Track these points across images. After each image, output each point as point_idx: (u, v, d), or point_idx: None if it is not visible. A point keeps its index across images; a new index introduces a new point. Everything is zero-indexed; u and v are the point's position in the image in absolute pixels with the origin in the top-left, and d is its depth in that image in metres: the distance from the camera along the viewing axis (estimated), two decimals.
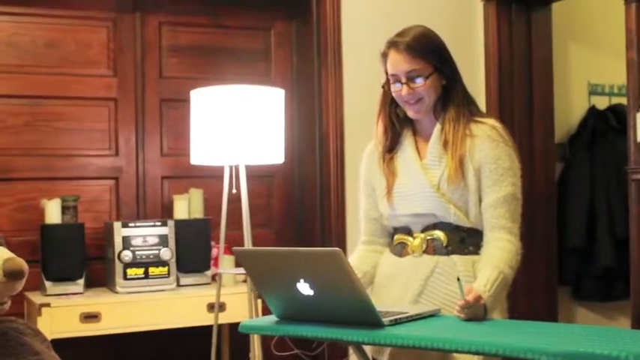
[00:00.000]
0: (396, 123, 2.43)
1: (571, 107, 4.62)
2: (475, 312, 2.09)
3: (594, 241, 4.39)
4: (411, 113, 2.37)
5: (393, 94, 2.37)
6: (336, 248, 1.95)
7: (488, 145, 2.31)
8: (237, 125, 3.08)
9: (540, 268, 4.09)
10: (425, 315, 2.13)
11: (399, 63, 2.31)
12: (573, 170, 4.51)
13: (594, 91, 4.69)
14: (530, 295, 4.03)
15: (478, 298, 2.09)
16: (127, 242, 3.41)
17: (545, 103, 4.18)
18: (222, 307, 3.41)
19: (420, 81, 2.31)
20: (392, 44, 2.33)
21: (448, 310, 2.25)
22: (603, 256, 4.35)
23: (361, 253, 2.51)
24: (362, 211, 2.54)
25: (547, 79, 4.19)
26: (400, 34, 2.34)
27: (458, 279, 2.14)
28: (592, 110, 4.61)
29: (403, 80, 2.31)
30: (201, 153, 3.17)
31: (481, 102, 4.04)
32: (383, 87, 2.42)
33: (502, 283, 2.21)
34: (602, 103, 4.67)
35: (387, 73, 2.38)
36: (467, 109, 2.38)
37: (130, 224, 3.44)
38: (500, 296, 2.28)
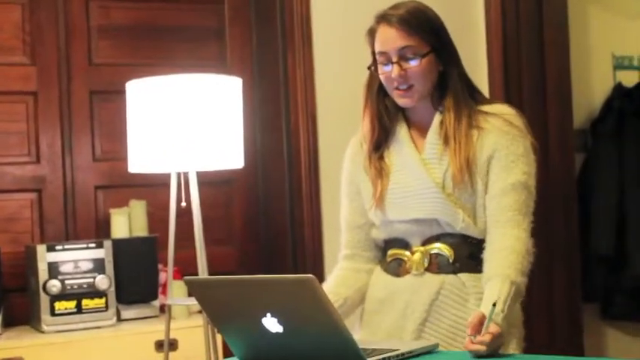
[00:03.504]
0: (385, 115, 2.46)
1: (592, 85, 4.65)
2: (493, 345, 2.09)
3: (625, 247, 4.43)
4: (400, 102, 2.41)
5: (381, 78, 2.40)
6: (309, 275, 1.94)
7: (498, 133, 2.35)
8: (184, 123, 3.06)
9: (560, 282, 4.11)
10: (420, 352, 2.14)
11: (390, 39, 2.35)
12: (597, 162, 4.54)
13: (620, 65, 4.73)
14: (548, 315, 4.05)
15: (499, 335, 2.08)
16: (54, 269, 3.40)
17: (560, 81, 4.20)
18: (172, 345, 3.40)
19: (414, 62, 2.34)
20: (382, 18, 2.38)
21: (459, 342, 2.27)
22: (637, 266, 4.39)
23: (341, 273, 2.53)
24: (343, 217, 2.56)
25: (562, 52, 4.21)
26: (392, 7, 2.39)
27: (494, 304, 2.11)
28: (618, 88, 4.64)
29: (394, 59, 2.35)
30: (142, 158, 3.14)
31: (483, 82, 4.06)
32: (369, 68, 2.45)
33: (515, 297, 2.23)
34: (630, 79, 4.71)
35: (374, 54, 2.41)
36: (469, 97, 2.42)
37: (57, 247, 3.43)
38: (514, 309, 2.30)
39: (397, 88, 2.38)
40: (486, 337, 2.05)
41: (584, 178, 4.50)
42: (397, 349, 2.10)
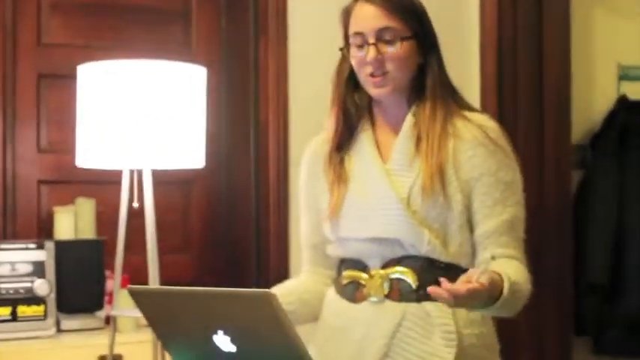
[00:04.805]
0: (353, 110, 2.41)
1: (594, 97, 4.65)
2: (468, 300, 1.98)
3: (622, 276, 4.42)
4: (373, 92, 2.34)
5: (353, 62, 2.34)
6: (267, 290, 1.92)
7: (482, 152, 2.30)
8: (141, 115, 3.05)
9: (550, 312, 4.10)
10: None
11: (369, 17, 2.30)
12: (596, 181, 4.53)
13: (626, 75, 4.73)
14: (537, 348, 4.04)
15: (480, 292, 1.97)
16: None
17: (559, 92, 4.19)
18: None
19: (393, 47, 2.29)
20: None
21: None
22: (633, 297, 4.38)
23: (303, 277, 2.52)
24: (301, 232, 2.55)
25: (563, 59, 4.20)
26: None
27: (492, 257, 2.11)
28: (622, 101, 4.64)
29: (371, 41, 2.29)
30: (92, 151, 3.13)
31: (474, 92, 4.07)
32: (341, 50, 2.39)
33: (516, 295, 2.14)
34: (636, 91, 4.70)
35: (346, 38, 2.36)
36: (449, 97, 2.37)
37: None
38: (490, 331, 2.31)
39: (371, 75, 2.32)
40: (465, 287, 1.95)
41: (581, 199, 4.49)
42: None
